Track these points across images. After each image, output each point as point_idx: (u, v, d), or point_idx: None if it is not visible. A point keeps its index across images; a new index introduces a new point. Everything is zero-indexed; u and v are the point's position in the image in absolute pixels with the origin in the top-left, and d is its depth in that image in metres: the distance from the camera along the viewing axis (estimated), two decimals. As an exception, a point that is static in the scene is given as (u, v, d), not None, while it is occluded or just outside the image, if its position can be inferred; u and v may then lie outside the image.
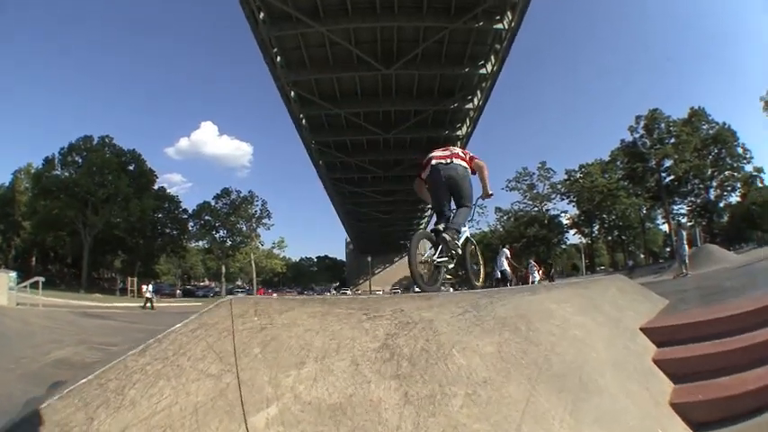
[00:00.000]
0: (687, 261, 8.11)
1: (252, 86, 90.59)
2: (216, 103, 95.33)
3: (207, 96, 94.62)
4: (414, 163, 30.81)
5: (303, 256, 64.66)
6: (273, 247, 40.41)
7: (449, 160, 2.23)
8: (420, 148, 30.39)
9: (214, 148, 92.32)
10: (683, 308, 2.85)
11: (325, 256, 65.99)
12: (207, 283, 41.72)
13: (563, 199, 33.66)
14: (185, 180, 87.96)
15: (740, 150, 31.78)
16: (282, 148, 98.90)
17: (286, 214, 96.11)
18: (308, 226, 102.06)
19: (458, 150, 2.41)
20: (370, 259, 41.00)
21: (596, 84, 79.67)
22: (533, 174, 33.08)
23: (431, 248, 1.99)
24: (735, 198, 32.72)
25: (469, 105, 26.85)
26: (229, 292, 32.27)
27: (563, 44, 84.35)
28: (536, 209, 33.21)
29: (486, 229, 35.51)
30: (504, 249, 8.26)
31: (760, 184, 32.52)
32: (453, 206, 2.21)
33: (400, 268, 47.51)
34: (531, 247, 31.54)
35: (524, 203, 33.50)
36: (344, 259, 60.83)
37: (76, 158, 27.20)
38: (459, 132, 29.48)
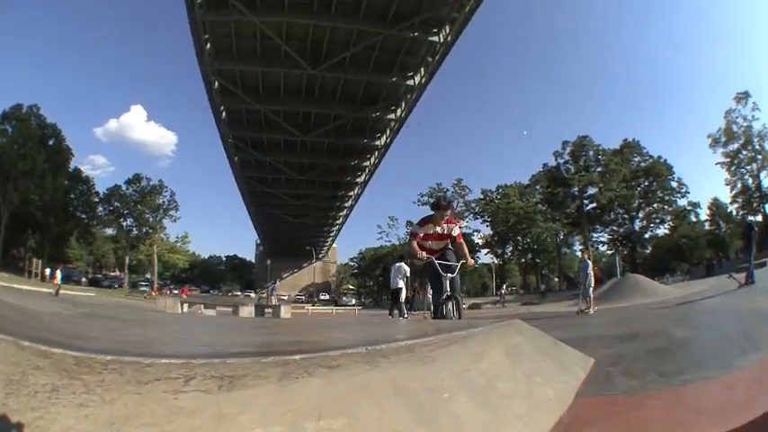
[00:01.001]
0: (591, 295, 8.09)
1: (183, 72, 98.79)
2: (149, 85, 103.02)
3: (142, 78, 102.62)
4: (329, 169, 38.83)
5: (212, 254, 75.25)
6: (177, 242, 47.88)
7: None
8: (337, 154, 38.30)
9: (141, 133, 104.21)
10: (624, 385, 1.90)
11: (234, 256, 75.36)
12: (117, 273, 48.00)
13: (477, 218, 41.72)
14: (109, 164, 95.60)
15: (675, 184, 39.72)
16: (204, 141, 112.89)
17: (200, 210, 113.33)
18: (220, 224, 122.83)
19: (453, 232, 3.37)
20: (269, 263, 48.89)
21: (526, 108, 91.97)
22: (447, 190, 40.45)
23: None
24: (663, 230, 40.52)
25: (392, 116, 34.03)
26: (133, 286, 39.80)
27: (494, 64, 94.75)
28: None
29: (397, 242, 42.76)
30: (403, 265, 8.46)
31: (694, 219, 40.42)
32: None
33: (307, 274, 55.65)
34: None
35: None
36: (254, 260, 69.46)
37: (7, 127, 30.45)
38: (377, 142, 37.14)
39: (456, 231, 3.46)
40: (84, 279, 36.17)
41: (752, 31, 70.09)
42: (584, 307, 8.28)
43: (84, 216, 39.20)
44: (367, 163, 38.89)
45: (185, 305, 10.99)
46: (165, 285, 45.93)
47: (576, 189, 38.23)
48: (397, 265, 8.87)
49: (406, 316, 8.42)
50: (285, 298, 46.77)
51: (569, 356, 2.39)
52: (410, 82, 30.08)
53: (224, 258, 75.11)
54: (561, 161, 39.06)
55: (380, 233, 42.86)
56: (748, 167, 36.65)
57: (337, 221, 52.03)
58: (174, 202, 41.11)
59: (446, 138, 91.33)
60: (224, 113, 32.24)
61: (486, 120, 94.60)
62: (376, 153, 38.14)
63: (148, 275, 44.47)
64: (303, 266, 53.32)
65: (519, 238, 40.01)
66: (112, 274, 47.43)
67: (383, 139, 37.06)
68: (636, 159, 40.01)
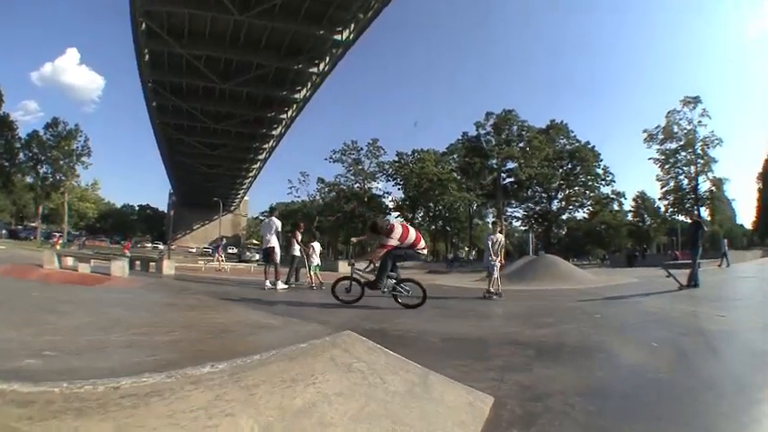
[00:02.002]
0: (497, 276, 8.31)
1: (115, 13, 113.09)
2: (83, 25, 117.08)
3: (77, 18, 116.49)
4: (246, 120, 49.20)
5: (126, 203, 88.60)
6: (87, 190, 57.14)
7: (426, 253, 6.30)
8: (255, 105, 48.71)
9: (72, 77, 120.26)
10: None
11: (147, 206, 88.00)
12: (36, 224, 55.91)
13: (389, 180, 51.38)
14: (39, 110, 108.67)
15: (600, 171, 50.39)
16: (128, 87, 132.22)
17: (118, 157, 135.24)
18: (137, 173, 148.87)
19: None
20: (172, 213, 58.50)
21: (456, 77, 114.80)
22: (362, 149, 49.98)
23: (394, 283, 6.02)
24: (582, 214, 50.97)
25: (314, 69, 44.49)
26: (47, 237, 48.32)
27: (428, 27, 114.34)
28: (358, 185, 50.21)
29: (306, 198, 52.32)
30: (274, 219, 9.34)
31: (617, 207, 50.93)
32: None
33: (218, 227, 65.90)
34: (350, 223, 48.64)
35: (347, 178, 50.02)
36: (166, 211, 79.40)
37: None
38: (297, 95, 47.72)
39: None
40: (3, 231, 43.77)
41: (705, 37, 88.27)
42: (495, 290, 8.24)
43: (6, 164, 46.30)
44: (284, 116, 49.39)
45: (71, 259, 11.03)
46: (78, 236, 54.63)
47: (494, 161, 48.74)
48: (267, 220, 9.53)
49: (280, 284, 8.83)
50: (193, 251, 56.68)
51: (447, 398, 2.05)
52: (338, 37, 39.57)
53: (137, 208, 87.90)
54: (483, 132, 49.14)
55: (291, 188, 52.02)
56: (685, 168, 47.53)
57: (250, 174, 62.50)
58: (88, 148, 49.07)
59: (368, 99, 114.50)
60: (147, 56, 41.42)
61: (412, 87, 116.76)
62: (294, 106, 48.62)
63: (65, 226, 53.21)
64: (214, 218, 62.82)
65: (431, 204, 49.57)
66: (32, 224, 54.83)
67: (303, 93, 47.59)
68: (562, 141, 50.82)
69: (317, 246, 10.31)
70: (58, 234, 46.76)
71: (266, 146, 54.37)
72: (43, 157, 47.20)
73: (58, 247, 30.82)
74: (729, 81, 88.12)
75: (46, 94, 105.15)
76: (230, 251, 53.29)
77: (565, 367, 2.97)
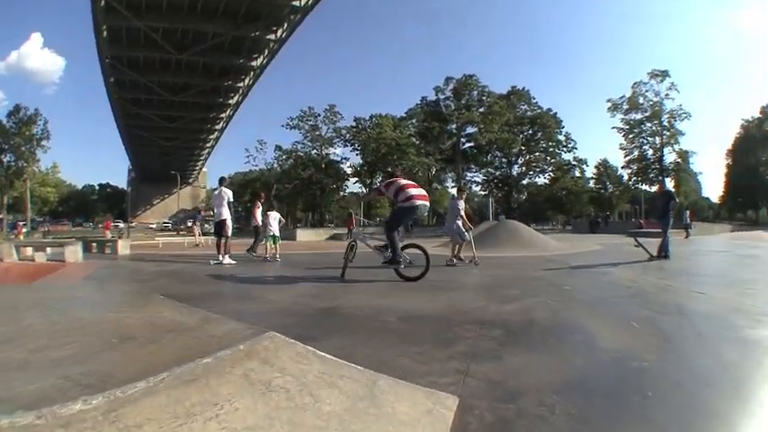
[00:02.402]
0: (472, 240, 9.02)
1: None
2: (44, 7, 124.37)
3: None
4: (203, 90, 54.21)
5: (86, 184, 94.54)
6: (47, 174, 61.40)
7: (427, 204, 6.23)
8: (212, 74, 53.86)
9: (35, 62, 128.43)
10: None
11: (107, 184, 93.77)
12: (2, 215, 56.88)
13: (347, 146, 55.66)
14: (5, 98, 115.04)
15: (562, 138, 55.55)
16: (89, 66, 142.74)
17: (78, 137, 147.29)
18: (97, 151, 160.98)
19: (425, 193, 6.37)
20: (129, 189, 62.81)
21: (419, 43, 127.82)
22: (319, 115, 53.65)
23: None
24: (543, 180, 56.01)
25: (272, 36, 49.76)
26: (13, 227, 51.61)
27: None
28: (315, 152, 54.29)
29: (264, 167, 55.83)
30: (224, 189, 9.58)
31: (578, 174, 56.02)
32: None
33: (178, 200, 70.22)
34: (308, 190, 52.98)
35: (304, 144, 54.00)
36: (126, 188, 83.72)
37: None
38: (254, 63, 52.95)
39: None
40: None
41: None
42: (465, 257, 8.77)
43: (-27, 155, 48.75)
44: (241, 84, 54.58)
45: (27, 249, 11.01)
46: (42, 222, 58.39)
47: (454, 126, 53.54)
48: (217, 191, 9.75)
49: (227, 259, 9.02)
50: (153, 226, 61.29)
51: (400, 409, 1.98)
52: (296, 3, 44.48)
53: (97, 188, 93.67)
54: (442, 97, 53.48)
55: (248, 157, 55.32)
56: (650, 139, 52.79)
57: (208, 145, 67.58)
58: (47, 132, 51.40)
59: (327, 65, 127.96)
60: (105, 32, 45.90)
61: (372, 52, 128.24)
62: (251, 74, 53.86)
63: (30, 214, 57.13)
64: (173, 192, 67.64)
65: (389, 169, 54.27)
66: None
67: (260, 60, 52.92)
68: (523, 107, 56.02)
69: (274, 215, 10.67)
70: (21, 223, 48.74)
71: (223, 115, 59.40)
72: (6, 146, 50.27)
73: (21, 237, 32.25)
74: (702, 59, 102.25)
75: (10, 82, 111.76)
76: (189, 224, 57.68)
77: (538, 353, 2.92)
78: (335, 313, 4.24)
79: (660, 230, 9.92)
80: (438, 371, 2.55)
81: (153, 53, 49.48)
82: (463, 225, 8.99)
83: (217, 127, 62.49)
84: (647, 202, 59.17)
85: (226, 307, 4.46)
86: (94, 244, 14.60)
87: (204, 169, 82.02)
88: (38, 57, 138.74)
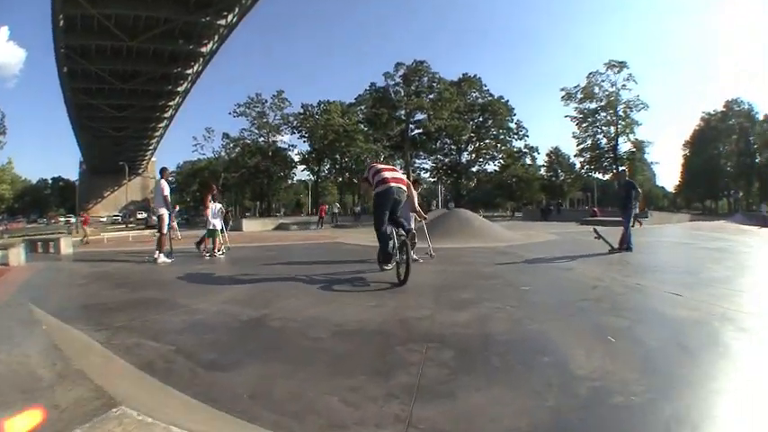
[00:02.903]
0: (426, 231, 9.37)
1: None
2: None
3: None
4: (152, 77, 61.59)
5: (41, 178, 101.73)
6: (3, 170, 66.12)
7: (401, 186, 6.60)
8: (162, 61, 61.30)
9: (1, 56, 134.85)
10: None
11: (60, 178, 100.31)
12: None
13: (294, 133, 63.14)
14: None
15: (513, 126, 62.94)
16: (44, 56, 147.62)
17: (34, 130, 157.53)
18: (51, 143, 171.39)
19: (403, 176, 6.82)
20: (75, 182, 69.58)
21: (372, 27, 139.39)
22: (266, 101, 60.22)
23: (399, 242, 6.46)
24: (493, 167, 63.25)
25: (222, 21, 57.13)
26: None
27: None
28: (263, 139, 61.02)
29: (212, 155, 62.31)
30: (161, 181, 10.01)
31: (530, 162, 63.40)
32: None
33: (128, 192, 76.34)
34: (255, 179, 59.64)
35: (251, 132, 60.39)
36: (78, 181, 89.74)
37: None
38: (203, 49, 60.39)
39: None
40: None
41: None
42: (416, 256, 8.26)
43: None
44: (190, 71, 62.01)
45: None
46: (1, 220, 63.44)
47: (402, 112, 60.00)
48: (156, 183, 10.50)
49: (161, 257, 9.47)
50: (103, 220, 68.16)
51: None
52: None
53: (50, 181, 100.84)
54: (391, 83, 59.67)
55: (195, 145, 60.90)
56: (604, 129, 60.21)
57: (156, 134, 74.87)
58: (3, 126, 54.77)
59: (277, 52, 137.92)
60: (62, 21, 51.81)
61: (321, 39, 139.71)
62: (201, 60, 61.27)
63: None
64: (123, 183, 74.17)
65: (337, 156, 61.03)
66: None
67: (210, 46, 60.08)
68: (474, 95, 63.35)
69: (213, 207, 10.97)
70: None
71: (172, 103, 66.79)
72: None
73: None
74: (664, 51, 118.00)
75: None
76: (139, 216, 63.46)
77: (499, 386, 2.72)
78: (262, 326, 4.13)
79: (622, 221, 10.45)
80: (373, 418, 2.33)
81: (105, 41, 55.90)
82: (417, 216, 8.85)
83: (165, 115, 69.71)
84: (600, 190, 67.20)
85: (145, 319, 4.40)
86: (40, 243, 15.03)
87: (153, 159, 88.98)
88: (2, 50, 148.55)
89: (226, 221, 12.98)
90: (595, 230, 10.94)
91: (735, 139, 66.75)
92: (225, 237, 11.80)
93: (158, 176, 10.72)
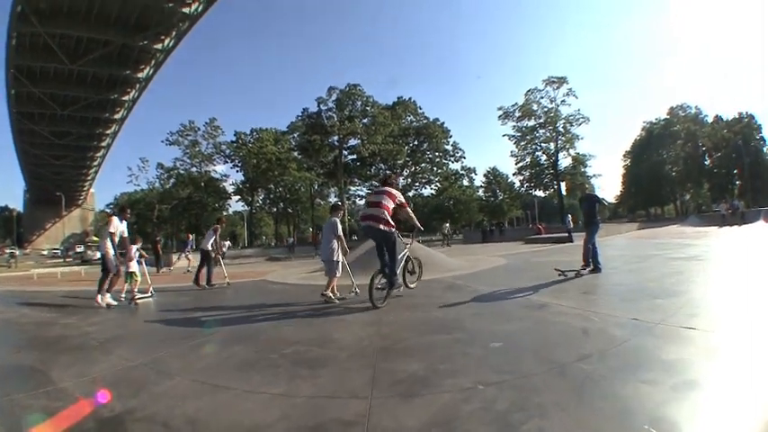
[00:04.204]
0: (347, 265, 8.56)
1: None
2: None
3: None
4: (90, 103, 62.60)
5: None
6: None
7: (372, 223, 6.75)
8: (99, 87, 62.05)
9: None
10: None
11: (5, 207, 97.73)
12: None
13: (227, 162, 62.05)
14: None
15: (450, 148, 63.32)
16: None
17: None
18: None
19: (383, 207, 6.84)
20: (15, 213, 71.14)
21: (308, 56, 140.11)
22: (199, 129, 59.66)
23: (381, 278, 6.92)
24: (430, 190, 63.65)
25: (158, 46, 57.57)
26: None
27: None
28: (195, 168, 60.12)
29: (146, 187, 61.66)
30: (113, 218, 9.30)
31: (467, 183, 63.78)
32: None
33: (67, 224, 77.05)
34: (191, 209, 59.88)
35: (182, 161, 59.42)
36: (22, 210, 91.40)
37: None
38: (140, 74, 61.06)
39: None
40: None
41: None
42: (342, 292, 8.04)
43: None
44: (127, 98, 62.93)
45: None
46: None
47: (336, 138, 60.49)
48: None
49: (108, 298, 8.94)
50: (44, 253, 69.25)
51: None
52: (186, 10, 51.07)
53: None
54: (324, 108, 59.73)
55: (131, 176, 59.34)
56: (544, 145, 61.30)
57: (95, 164, 75.82)
58: None
59: (212, 78, 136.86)
60: (14, 39, 51.39)
61: (260, 64, 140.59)
62: (137, 86, 62.13)
63: None
64: (64, 215, 75.34)
65: (271, 185, 62.10)
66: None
67: (146, 71, 60.70)
68: (410, 118, 63.82)
69: (135, 248, 10.44)
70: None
71: (109, 131, 67.88)
72: None
73: None
74: (605, 66, 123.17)
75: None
76: (78, 250, 62.05)
77: None
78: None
79: (586, 239, 9.47)
80: None
81: (48, 62, 55.74)
82: (341, 249, 8.21)
83: (103, 144, 70.65)
84: (540, 206, 68.07)
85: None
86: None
87: (92, 190, 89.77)
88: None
89: (157, 257, 12.92)
90: (559, 270, 9.20)
91: (681, 144, 68.43)
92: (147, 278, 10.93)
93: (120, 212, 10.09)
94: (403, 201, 7.29)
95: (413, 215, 7.70)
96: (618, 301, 6.46)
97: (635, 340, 4.23)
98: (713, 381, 3.15)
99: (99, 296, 8.84)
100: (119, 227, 9.29)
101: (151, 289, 10.38)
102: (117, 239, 9.23)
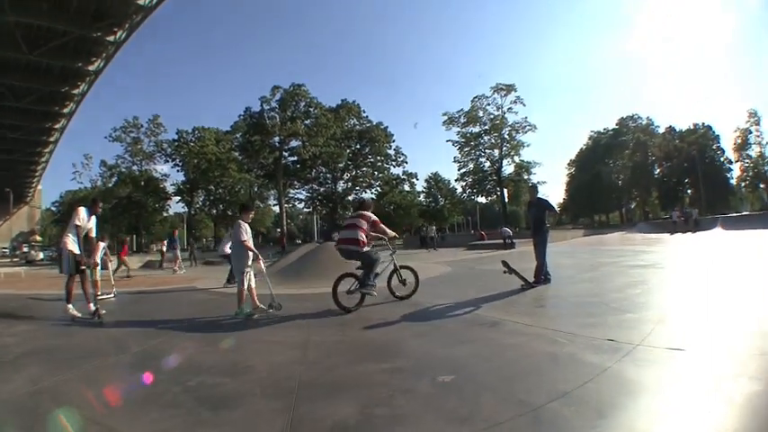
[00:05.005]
0: (265, 273, 7.75)
1: None
2: None
3: None
4: (42, 95, 63.33)
5: None
6: None
7: (346, 246, 7.40)
8: (51, 78, 62.14)
9: None
10: None
11: None
12: None
13: (168, 161, 61.45)
14: None
15: (392, 152, 63.40)
16: None
17: None
18: None
19: (358, 229, 7.41)
20: None
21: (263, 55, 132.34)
22: (142, 126, 59.35)
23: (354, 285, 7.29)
24: (370, 195, 63.56)
25: (111, 38, 56.80)
26: None
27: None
28: (136, 167, 59.66)
29: (89, 185, 60.89)
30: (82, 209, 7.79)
31: (408, 188, 63.72)
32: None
33: (15, 223, 76.93)
34: (131, 209, 59.10)
35: (124, 159, 59.33)
36: None
37: None
38: (91, 67, 60.92)
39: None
40: None
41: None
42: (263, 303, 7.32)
43: None
44: (77, 91, 63.42)
45: None
46: None
47: (277, 139, 59.61)
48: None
49: (70, 308, 7.43)
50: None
51: None
52: (141, 1, 49.34)
53: None
54: (267, 108, 58.62)
55: (75, 173, 61.16)
56: (488, 152, 61.73)
57: (43, 159, 76.41)
58: None
59: (163, 75, 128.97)
60: None
61: (206, 62, 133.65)
62: (87, 79, 62.49)
63: None
64: (13, 212, 75.39)
65: (212, 186, 61.78)
66: None
67: (97, 64, 60.47)
68: (353, 121, 63.94)
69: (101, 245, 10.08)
70: None
71: (58, 126, 68.70)
72: None
73: None
74: (552, 77, 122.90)
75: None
76: (24, 249, 62.28)
77: None
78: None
79: (535, 247, 8.87)
80: None
81: (8, 52, 52.84)
82: (246, 253, 7.35)
83: (52, 139, 71.25)
84: (481, 212, 68.32)
85: None
86: None
87: (39, 187, 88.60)
88: None
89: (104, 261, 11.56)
90: (505, 264, 8.73)
91: (629, 154, 70.12)
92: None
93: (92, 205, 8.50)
94: (376, 219, 7.62)
95: (386, 229, 7.83)
96: (582, 317, 5.70)
97: (616, 367, 3.63)
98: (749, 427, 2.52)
99: (69, 306, 7.46)
100: (85, 220, 7.91)
101: (114, 290, 10.13)
102: (82, 235, 7.84)
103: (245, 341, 5.50)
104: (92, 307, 7.48)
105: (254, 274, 7.56)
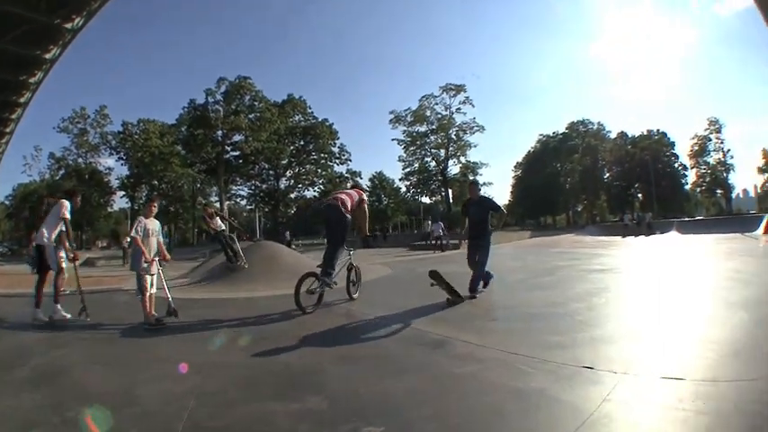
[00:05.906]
0: (161, 274, 6.70)
1: None
2: None
3: None
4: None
5: None
6: None
7: (333, 203, 7.24)
8: (8, 65, 63.10)
9: None
10: None
11: None
12: None
13: (113, 153, 61.44)
14: None
15: (336, 150, 62.99)
16: None
17: None
18: None
19: (347, 196, 7.44)
20: None
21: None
22: (89, 117, 58.97)
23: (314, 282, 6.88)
24: (313, 193, 63.69)
25: (68, 25, 57.41)
26: None
27: None
28: (81, 159, 59.57)
29: (37, 178, 59.84)
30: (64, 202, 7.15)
31: (350, 186, 64.53)
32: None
33: None
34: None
35: (70, 151, 58.89)
36: None
37: None
38: (47, 55, 61.57)
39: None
40: None
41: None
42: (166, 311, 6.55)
43: None
44: (33, 79, 64.06)
45: None
46: None
47: (220, 133, 59.11)
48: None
49: (58, 309, 6.81)
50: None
51: None
52: None
53: None
54: (212, 100, 58.29)
55: (24, 165, 58.97)
56: (434, 151, 61.65)
57: None
58: None
59: (120, 64, 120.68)
60: None
61: (171, 54, 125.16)
62: (43, 67, 63.36)
63: None
64: None
65: (155, 181, 61.33)
66: None
67: (53, 52, 60.39)
68: (298, 117, 63.35)
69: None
70: None
71: (14, 116, 70.07)
72: None
73: None
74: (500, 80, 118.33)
75: None
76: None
77: None
78: None
79: (476, 254, 7.82)
80: None
81: None
82: (153, 254, 6.66)
83: (7, 130, 72.93)
84: (425, 212, 68.58)
85: None
86: None
87: None
88: None
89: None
90: (434, 275, 7.11)
91: (578, 158, 69.89)
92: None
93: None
94: (365, 198, 7.77)
95: (366, 217, 7.81)
96: (545, 333, 4.82)
97: (605, 411, 2.75)
98: None
99: (57, 305, 6.96)
100: (69, 214, 7.24)
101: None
102: (57, 231, 7.20)
103: (145, 360, 4.61)
104: (59, 308, 6.90)
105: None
